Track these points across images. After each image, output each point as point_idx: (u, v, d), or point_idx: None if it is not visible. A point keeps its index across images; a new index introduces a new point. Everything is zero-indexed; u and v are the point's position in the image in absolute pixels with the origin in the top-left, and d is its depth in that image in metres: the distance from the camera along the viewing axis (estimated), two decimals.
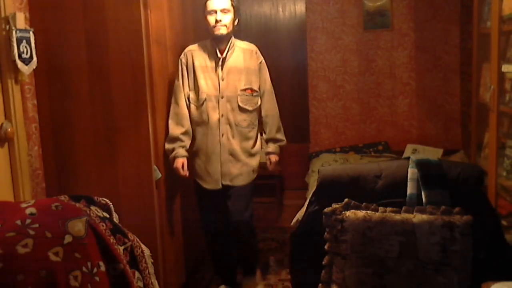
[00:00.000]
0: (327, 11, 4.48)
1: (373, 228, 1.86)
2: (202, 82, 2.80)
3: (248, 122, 2.87)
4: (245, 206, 2.90)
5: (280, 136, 2.99)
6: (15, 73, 2.21)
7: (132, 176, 2.54)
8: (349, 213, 1.91)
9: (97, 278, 1.50)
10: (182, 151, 2.78)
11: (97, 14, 2.44)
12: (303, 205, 3.10)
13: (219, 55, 2.81)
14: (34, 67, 2.29)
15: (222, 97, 2.80)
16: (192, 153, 2.89)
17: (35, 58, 2.27)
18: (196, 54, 2.84)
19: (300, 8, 4.77)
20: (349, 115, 4.58)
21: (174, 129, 2.80)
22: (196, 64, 2.82)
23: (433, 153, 3.92)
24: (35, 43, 2.27)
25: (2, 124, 2.17)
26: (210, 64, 2.82)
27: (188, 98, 2.84)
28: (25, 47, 2.21)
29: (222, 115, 2.81)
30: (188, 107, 2.84)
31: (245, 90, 2.84)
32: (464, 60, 4.15)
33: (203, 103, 2.81)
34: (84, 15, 2.45)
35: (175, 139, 2.79)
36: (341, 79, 4.55)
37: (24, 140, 2.31)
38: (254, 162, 2.93)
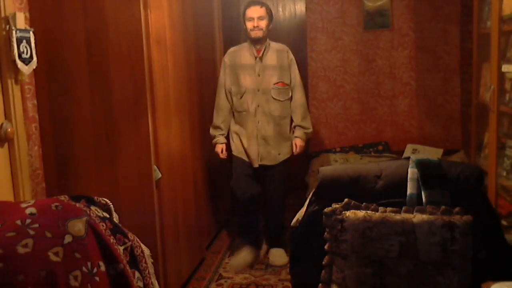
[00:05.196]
0: (327, 11, 4.49)
1: (373, 228, 1.86)
2: (242, 77, 3.36)
3: (280, 111, 3.37)
4: (275, 183, 3.45)
5: (305, 123, 3.43)
6: (15, 73, 2.21)
7: (132, 176, 2.54)
8: (349, 213, 1.91)
9: (97, 278, 1.50)
10: (222, 139, 3.44)
11: (97, 14, 2.44)
12: (303, 205, 3.10)
13: (256, 54, 3.35)
14: (34, 67, 2.29)
15: (258, 90, 3.34)
16: (236, 134, 3.44)
17: (35, 58, 2.27)
18: (237, 55, 3.40)
19: (300, 8, 4.77)
20: (349, 115, 4.58)
21: (216, 119, 3.45)
22: (237, 62, 3.38)
23: (433, 153, 3.92)
24: (35, 43, 2.27)
25: (2, 124, 2.17)
26: (249, 62, 3.36)
27: (230, 92, 3.39)
28: (25, 47, 2.20)
29: (258, 105, 3.35)
30: (231, 99, 3.41)
31: (277, 83, 3.35)
32: (464, 60, 4.15)
33: (243, 95, 3.35)
34: (84, 15, 2.45)
35: (216, 127, 3.44)
36: (341, 79, 4.55)
37: (24, 140, 2.31)
38: (283, 147, 3.42)
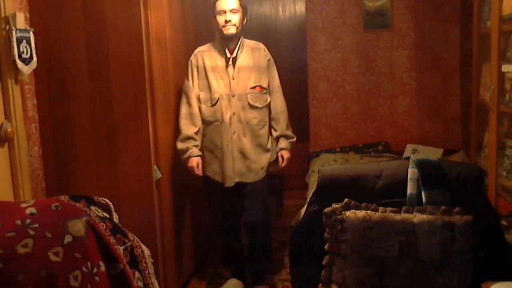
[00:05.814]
0: (327, 11, 4.48)
1: (373, 228, 1.86)
2: (213, 82, 2.86)
3: (259, 120, 2.92)
4: (257, 205, 2.97)
5: (290, 132, 3.03)
6: (15, 73, 2.21)
7: (132, 176, 2.54)
8: (349, 213, 1.91)
9: (97, 278, 1.50)
10: (196, 151, 2.86)
11: (97, 14, 2.44)
12: (303, 205, 3.10)
13: (228, 54, 2.86)
14: (34, 67, 2.29)
15: (233, 96, 2.86)
16: (206, 151, 2.93)
17: (35, 58, 2.27)
18: (206, 55, 2.89)
19: (300, 8, 4.76)
20: (349, 115, 4.57)
21: (187, 129, 2.86)
22: (207, 64, 2.87)
23: (433, 153, 3.92)
24: (35, 43, 2.27)
25: (2, 124, 2.17)
26: (221, 64, 2.87)
27: (198, 99, 2.89)
28: (25, 47, 2.20)
29: (233, 113, 2.86)
30: (199, 107, 2.89)
31: (254, 87, 2.89)
32: (464, 60, 4.14)
33: (216, 103, 2.86)
34: (84, 15, 2.45)
35: (188, 138, 2.85)
36: (341, 79, 4.54)
37: (24, 140, 2.31)
38: (265, 159, 2.96)
